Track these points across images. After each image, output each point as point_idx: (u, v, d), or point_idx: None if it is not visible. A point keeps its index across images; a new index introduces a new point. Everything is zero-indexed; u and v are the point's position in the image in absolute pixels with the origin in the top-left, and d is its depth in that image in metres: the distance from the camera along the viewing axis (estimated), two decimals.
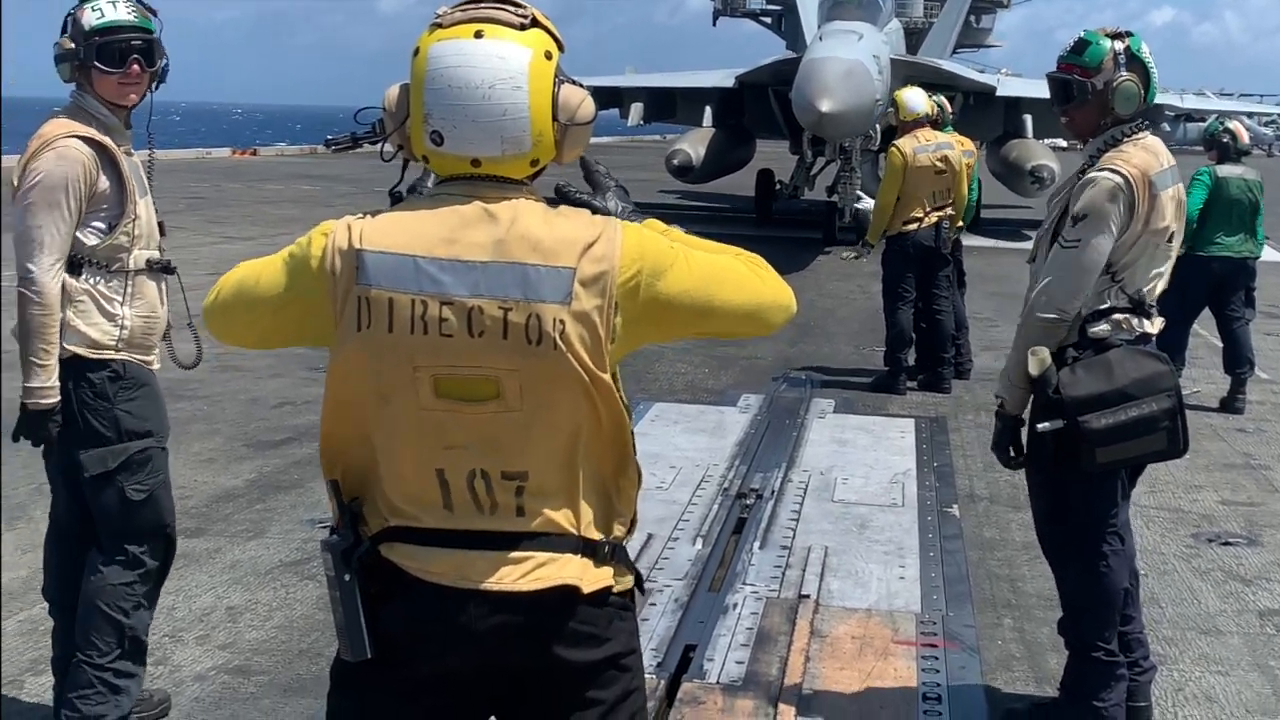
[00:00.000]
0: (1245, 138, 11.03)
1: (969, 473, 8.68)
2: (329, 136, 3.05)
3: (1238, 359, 10.97)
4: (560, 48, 2.67)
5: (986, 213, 25.76)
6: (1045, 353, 4.68)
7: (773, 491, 8.06)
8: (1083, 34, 4.84)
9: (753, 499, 7.89)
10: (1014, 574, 6.79)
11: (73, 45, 4.61)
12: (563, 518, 2.68)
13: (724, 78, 27.31)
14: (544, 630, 2.67)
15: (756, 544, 7.05)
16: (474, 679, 2.71)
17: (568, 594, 2.66)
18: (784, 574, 6.62)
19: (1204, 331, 11.74)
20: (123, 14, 4.62)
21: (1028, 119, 26.49)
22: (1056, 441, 4.64)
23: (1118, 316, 4.74)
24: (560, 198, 2.79)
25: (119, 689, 4.69)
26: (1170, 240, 4.81)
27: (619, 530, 2.78)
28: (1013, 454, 4.94)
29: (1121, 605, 4.93)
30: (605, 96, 27.90)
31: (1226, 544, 7.48)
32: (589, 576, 2.69)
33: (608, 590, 2.73)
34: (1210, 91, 31.23)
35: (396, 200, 2.73)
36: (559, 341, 2.56)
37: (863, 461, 8.91)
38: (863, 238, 11.99)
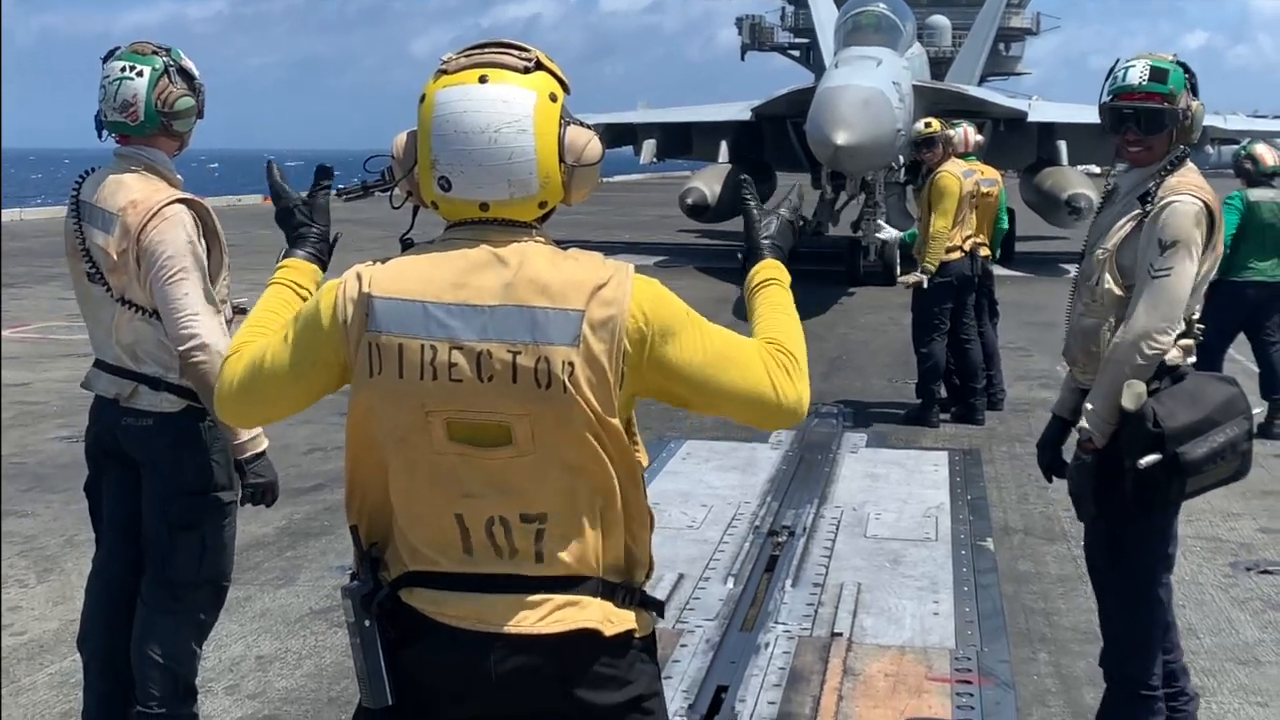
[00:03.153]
0: (1269, 160, 10.88)
1: (1003, 505, 8.58)
2: (340, 186, 3.07)
3: (1274, 384, 10.83)
4: (565, 89, 2.68)
5: (1020, 245, 25.42)
6: (1142, 386, 4.47)
7: (805, 528, 7.99)
8: (1151, 61, 4.66)
9: (785, 536, 7.83)
10: (1049, 608, 6.71)
11: (194, 100, 4.55)
12: (580, 561, 2.66)
13: (740, 110, 26.55)
14: (566, 673, 2.66)
15: (789, 582, 6.98)
16: None
17: (590, 637, 2.65)
18: (816, 612, 6.55)
19: (1240, 357, 11.61)
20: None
21: (1062, 145, 25.34)
22: (1135, 475, 4.51)
23: (1184, 342, 4.64)
24: (739, 185, 3.10)
25: None
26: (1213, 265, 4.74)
27: (638, 575, 2.76)
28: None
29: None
30: (617, 133, 27.33)
31: (1265, 572, 7.37)
32: (610, 619, 2.67)
33: (630, 634, 2.71)
34: (1243, 113, 30.83)
35: (407, 246, 2.74)
36: (568, 384, 2.55)
37: (895, 496, 8.83)
38: (908, 268, 11.84)
